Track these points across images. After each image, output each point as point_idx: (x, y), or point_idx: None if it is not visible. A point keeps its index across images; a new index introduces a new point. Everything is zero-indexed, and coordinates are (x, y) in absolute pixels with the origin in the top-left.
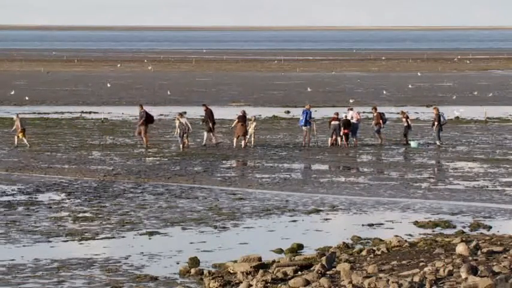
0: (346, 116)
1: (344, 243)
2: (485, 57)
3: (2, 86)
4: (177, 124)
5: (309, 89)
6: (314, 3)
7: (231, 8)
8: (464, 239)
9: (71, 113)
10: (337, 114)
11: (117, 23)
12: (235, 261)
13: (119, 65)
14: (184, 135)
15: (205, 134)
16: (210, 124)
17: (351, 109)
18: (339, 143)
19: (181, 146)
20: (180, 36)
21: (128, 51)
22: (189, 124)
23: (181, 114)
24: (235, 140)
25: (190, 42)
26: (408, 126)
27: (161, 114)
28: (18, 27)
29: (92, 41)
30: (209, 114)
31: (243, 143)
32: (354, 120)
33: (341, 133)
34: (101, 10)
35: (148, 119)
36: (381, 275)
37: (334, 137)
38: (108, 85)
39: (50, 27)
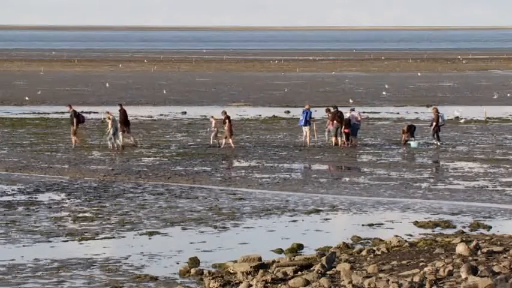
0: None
1: (344, 243)
2: (485, 57)
3: (2, 86)
4: (110, 124)
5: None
6: (314, 4)
7: (231, 8)
8: (464, 239)
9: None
10: (336, 110)
11: (117, 23)
12: (235, 261)
13: (120, 65)
14: (117, 133)
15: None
16: (118, 125)
17: (353, 110)
18: (340, 143)
19: (120, 145)
20: (180, 36)
21: (128, 51)
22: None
23: (109, 112)
24: (231, 140)
25: (190, 42)
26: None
27: (161, 114)
28: (18, 27)
29: (92, 41)
30: (123, 115)
31: (225, 141)
32: (354, 121)
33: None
34: (101, 10)
35: (79, 119)
36: (380, 275)
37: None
38: (107, 85)
39: (50, 27)
